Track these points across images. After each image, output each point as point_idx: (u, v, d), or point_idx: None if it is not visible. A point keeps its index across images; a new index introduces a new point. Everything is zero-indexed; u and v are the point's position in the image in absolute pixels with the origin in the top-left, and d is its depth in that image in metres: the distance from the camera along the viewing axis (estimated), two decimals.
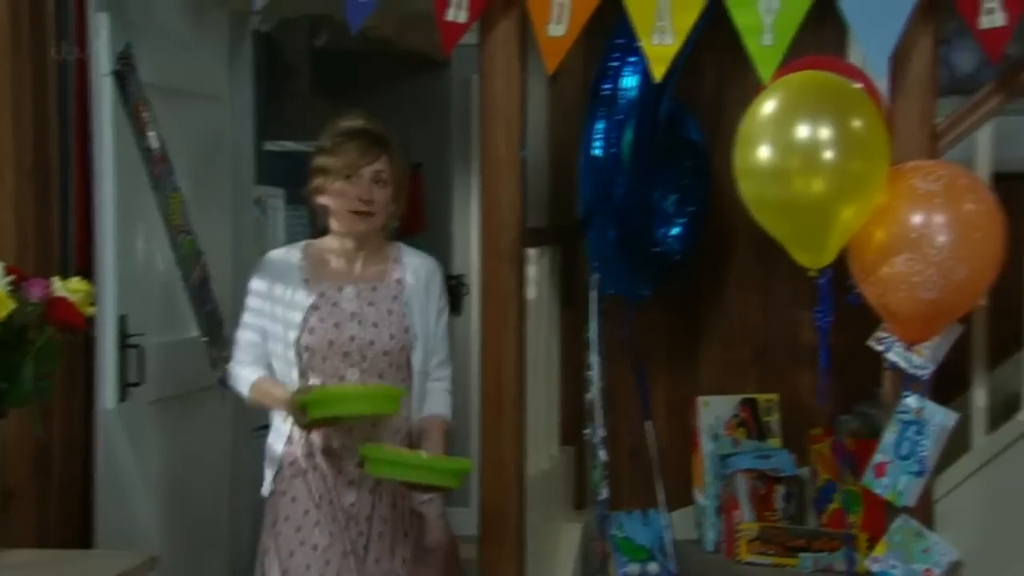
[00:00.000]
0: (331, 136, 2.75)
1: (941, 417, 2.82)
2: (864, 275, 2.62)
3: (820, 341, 2.83)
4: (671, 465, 3.36)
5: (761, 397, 3.39)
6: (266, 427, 2.77)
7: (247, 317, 2.74)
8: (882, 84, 2.84)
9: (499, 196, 2.99)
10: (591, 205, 3.07)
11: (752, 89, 2.80)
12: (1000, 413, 2.96)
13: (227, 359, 3.33)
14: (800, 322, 2.95)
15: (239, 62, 3.54)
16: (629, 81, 3.06)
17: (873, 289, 2.61)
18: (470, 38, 3.00)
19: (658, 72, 2.83)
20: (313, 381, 2.64)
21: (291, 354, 2.67)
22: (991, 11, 2.64)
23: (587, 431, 3.35)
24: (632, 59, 3.02)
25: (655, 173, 3.18)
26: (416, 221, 4.29)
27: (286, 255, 2.78)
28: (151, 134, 3.01)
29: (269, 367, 2.69)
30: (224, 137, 3.44)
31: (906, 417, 2.86)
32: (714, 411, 3.36)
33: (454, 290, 4.19)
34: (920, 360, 2.82)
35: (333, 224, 2.73)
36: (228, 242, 3.45)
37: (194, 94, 3.27)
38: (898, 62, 2.78)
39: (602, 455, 3.28)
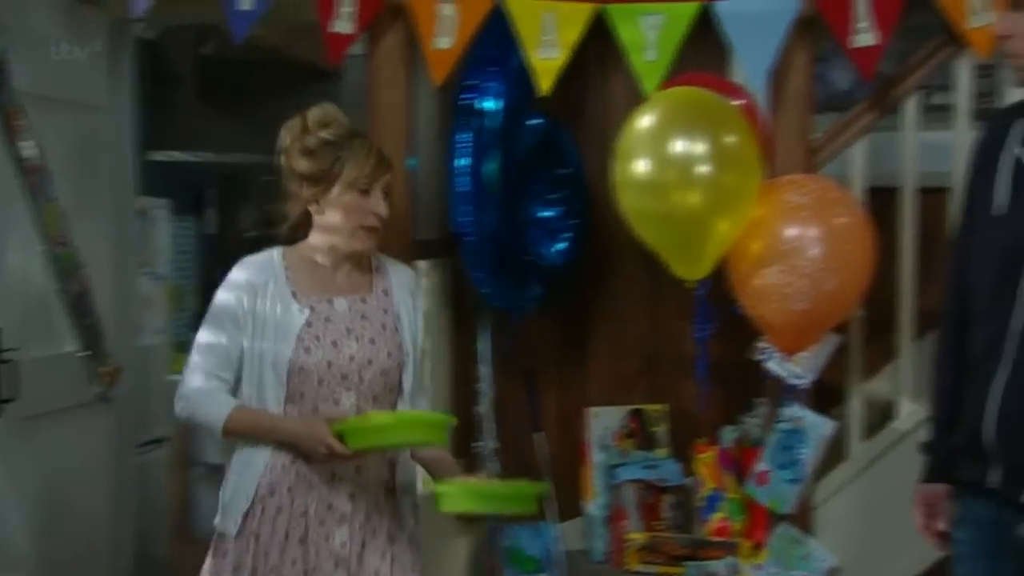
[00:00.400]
0: (319, 137, 2.40)
1: (820, 426, 2.89)
2: (740, 287, 2.67)
3: (698, 352, 2.86)
4: (562, 476, 3.37)
5: (649, 408, 3.42)
6: (154, 442, 2.68)
7: (217, 330, 2.38)
8: (761, 100, 2.90)
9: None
10: (462, 224, 3.06)
11: (635, 104, 2.84)
12: (876, 421, 3.03)
13: (111, 374, 3.26)
14: (687, 333, 2.98)
15: (119, 69, 3.47)
16: (490, 103, 3.05)
17: (748, 300, 2.67)
18: (362, 47, 2.99)
19: (545, 85, 2.85)
20: (293, 408, 2.34)
21: (278, 376, 2.35)
22: (862, 30, 2.72)
23: (478, 444, 3.35)
24: (497, 71, 3.02)
25: (533, 189, 3.20)
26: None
27: (267, 261, 2.43)
28: (25, 143, 2.93)
29: (230, 389, 2.38)
30: (104, 146, 3.37)
31: (786, 426, 2.92)
32: (603, 422, 3.38)
33: None
34: (799, 370, 2.88)
35: (325, 238, 2.42)
36: (109, 254, 3.38)
37: (71, 102, 3.19)
38: (776, 79, 2.85)
39: (492, 467, 3.29)
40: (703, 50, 2.89)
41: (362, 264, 2.48)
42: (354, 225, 2.40)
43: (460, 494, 2.31)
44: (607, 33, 2.85)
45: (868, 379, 3.09)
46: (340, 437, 2.27)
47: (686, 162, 2.61)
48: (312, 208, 2.42)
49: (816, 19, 2.80)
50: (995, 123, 2.17)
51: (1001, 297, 2.06)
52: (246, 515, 2.34)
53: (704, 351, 2.85)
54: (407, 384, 2.44)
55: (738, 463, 3.11)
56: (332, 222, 2.41)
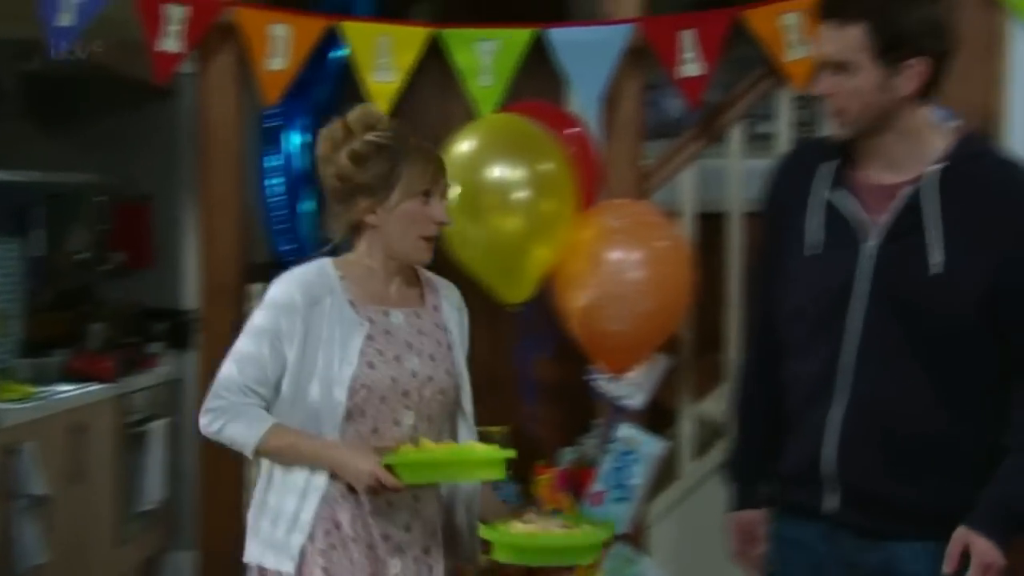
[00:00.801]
0: (368, 141, 2.17)
1: (652, 446, 2.94)
2: (563, 309, 2.71)
3: (523, 374, 2.89)
4: None
5: (491, 430, 3.42)
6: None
7: (258, 344, 2.14)
8: (594, 127, 2.95)
9: (218, 230, 2.92)
10: (283, 250, 3.02)
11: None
12: (708, 440, 3.10)
13: None
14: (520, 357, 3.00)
15: None
16: (295, 138, 3.03)
17: (571, 322, 2.70)
18: (193, 66, 2.93)
19: (382, 106, 2.84)
20: (351, 428, 2.14)
21: (338, 394, 2.15)
22: (689, 61, 2.80)
23: None
24: (306, 100, 3.00)
25: None
26: (143, 255, 4.13)
27: (319, 274, 2.21)
28: None
29: (265, 407, 2.17)
30: None
31: (620, 447, 2.97)
32: None
33: (184, 326, 4.05)
34: (631, 390, 2.93)
35: (381, 249, 2.21)
36: None
37: None
38: (608, 106, 2.90)
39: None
40: (541, 76, 2.93)
41: (410, 277, 2.31)
42: (415, 235, 2.21)
43: (512, 547, 2.14)
44: (444, 57, 2.87)
45: (700, 399, 3.16)
46: (390, 468, 2.10)
47: (503, 188, 2.65)
48: (369, 219, 2.20)
49: (645, 49, 2.86)
50: (798, 161, 2.22)
51: (828, 333, 2.10)
52: (303, 550, 2.13)
53: (529, 373, 2.88)
54: (467, 406, 2.31)
55: (576, 484, 3.14)
56: (391, 232, 2.21)
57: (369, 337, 2.19)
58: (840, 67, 2.06)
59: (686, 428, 3.05)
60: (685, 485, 3.02)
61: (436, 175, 2.21)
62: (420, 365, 2.23)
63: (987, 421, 2.07)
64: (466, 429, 2.31)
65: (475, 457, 2.15)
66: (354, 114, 2.23)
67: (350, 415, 2.17)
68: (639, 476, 2.93)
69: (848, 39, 2.04)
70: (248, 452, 2.19)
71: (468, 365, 2.26)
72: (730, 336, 3.03)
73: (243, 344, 2.19)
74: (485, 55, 2.83)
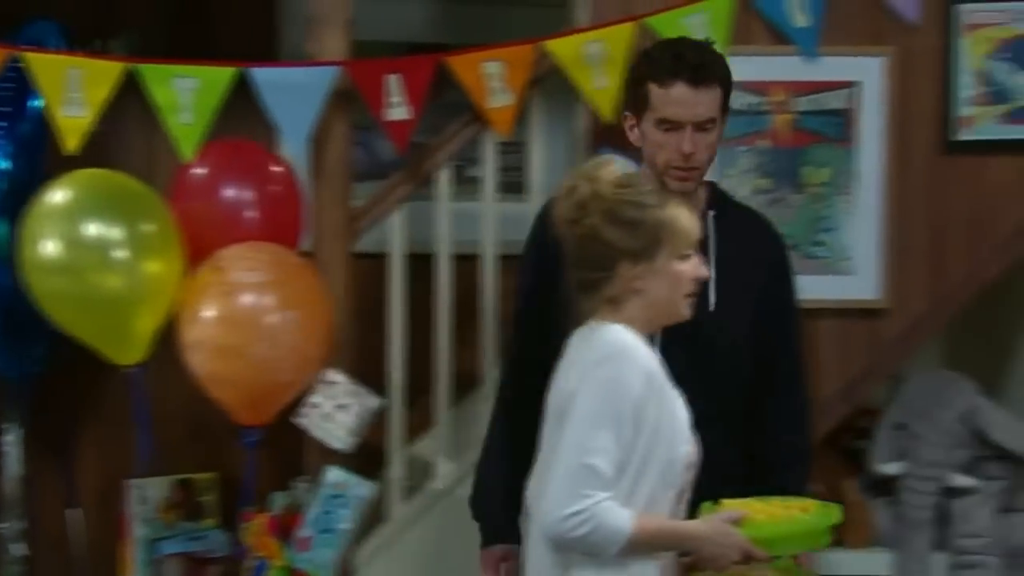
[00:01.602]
0: (630, 201, 2.06)
1: (361, 489, 2.90)
2: (196, 359, 2.67)
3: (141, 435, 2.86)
4: (101, 555, 3.16)
5: (197, 477, 3.29)
6: None
7: (619, 432, 1.98)
8: (302, 168, 2.90)
9: None
10: None
11: (179, 164, 2.76)
12: (418, 482, 3.09)
13: None
14: None
15: None
16: None
17: (205, 369, 2.68)
18: None
19: (71, 144, 2.71)
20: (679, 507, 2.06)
21: (675, 473, 2.06)
22: (395, 104, 2.80)
23: (3, 525, 3.07)
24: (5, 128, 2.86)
25: None
26: None
27: (642, 343, 2.08)
28: None
29: None
30: None
31: (329, 491, 2.91)
32: (147, 494, 3.21)
33: None
34: (340, 434, 2.89)
35: (645, 312, 2.09)
36: None
37: None
38: (316, 147, 2.87)
39: (18, 549, 3.02)
40: (251, 116, 2.86)
41: None
42: (680, 295, 2.12)
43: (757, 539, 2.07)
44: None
45: (411, 441, 3.14)
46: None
47: (102, 246, 2.65)
48: (636, 284, 2.09)
49: (353, 91, 2.85)
50: None
51: None
52: None
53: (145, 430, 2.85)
54: None
55: (285, 529, 3.06)
56: (657, 295, 2.09)
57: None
58: (703, 126, 2.30)
59: (396, 470, 3.02)
60: (394, 527, 2.99)
61: (697, 233, 2.12)
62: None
63: (746, 439, 2.35)
64: None
65: (823, 525, 2.10)
66: (601, 171, 2.09)
67: (679, 494, 2.09)
68: (347, 520, 2.88)
69: (713, 99, 2.30)
70: (611, 550, 2.01)
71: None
72: (439, 378, 3.03)
73: (603, 437, 1.99)
74: (184, 92, 2.74)
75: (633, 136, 2.37)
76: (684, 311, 2.14)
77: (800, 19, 2.79)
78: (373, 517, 2.99)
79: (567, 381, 2.08)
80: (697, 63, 2.29)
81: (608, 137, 2.86)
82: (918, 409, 2.88)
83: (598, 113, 2.84)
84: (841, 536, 2.64)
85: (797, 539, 2.11)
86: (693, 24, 2.77)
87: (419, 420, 3.20)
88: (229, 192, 2.84)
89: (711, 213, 2.35)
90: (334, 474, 2.90)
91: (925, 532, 2.82)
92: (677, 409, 2.09)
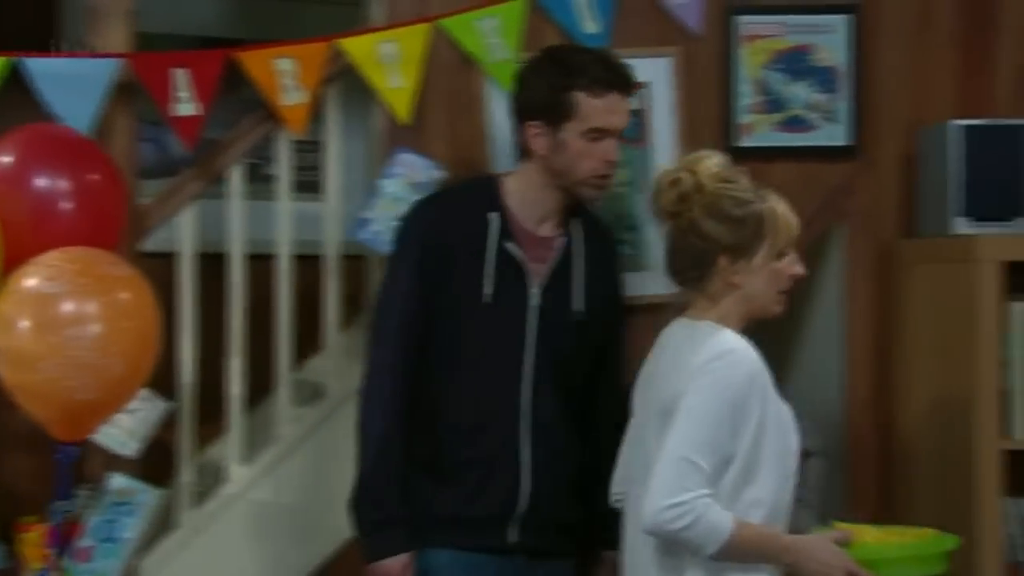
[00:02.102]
0: (732, 197, 2.06)
1: (148, 496, 2.80)
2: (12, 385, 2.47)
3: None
4: None
5: None
6: None
7: (718, 428, 1.98)
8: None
9: None
10: None
11: None
12: (208, 488, 2.99)
13: None
14: (5, 405, 2.74)
15: None
16: None
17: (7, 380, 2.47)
18: None
19: None
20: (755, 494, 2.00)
21: (789, 463, 2.08)
22: (183, 100, 2.71)
23: None
24: None
25: None
26: None
27: (746, 345, 2.09)
28: None
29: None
30: None
31: (113, 498, 2.79)
32: None
33: None
34: (124, 439, 2.77)
35: (739, 308, 2.12)
36: None
37: None
38: (100, 142, 2.74)
39: None
40: (33, 107, 2.71)
41: None
42: (775, 292, 2.13)
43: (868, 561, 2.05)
44: None
45: (202, 446, 3.05)
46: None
47: None
48: (733, 279, 2.11)
49: (138, 85, 2.74)
50: (462, 209, 2.33)
51: (507, 376, 2.30)
52: None
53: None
54: None
55: (65, 540, 2.91)
56: (753, 291, 2.12)
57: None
58: (619, 135, 2.34)
59: (185, 476, 2.92)
60: (183, 535, 2.89)
61: (797, 232, 2.14)
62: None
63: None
64: None
65: (936, 550, 2.08)
66: (704, 164, 2.09)
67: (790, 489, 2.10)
68: (132, 528, 2.77)
69: (629, 109, 2.36)
70: (706, 550, 1.98)
71: None
72: (232, 381, 2.94)
73: (702, 431, 1.99)
74: None
75: (539, 144, 2.35)
76: (777, 308, 2.18)
77: (590, 25, 2.83)
78: (163, 524, 2.89)
79: (671, 382, 2.09)
80: (626, 73, 2.34)
81: (404, 138, 2.86)
82: None
83: (394, 113, 2.83)
84: None
85: (906, 563, 2.09)
86: (486, 27, 2.78)
87: (211, 423, 3.11)
88: (41, 183, 2.53)
89: (579, 219, 2.41)
90: (118, 481, 2.79)
91: None
92: (781, 404, 2.12)
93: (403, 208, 2.82)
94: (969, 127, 2.77)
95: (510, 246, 2.32)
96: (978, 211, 2.74)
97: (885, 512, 2.93)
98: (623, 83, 2.32)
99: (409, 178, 2.81)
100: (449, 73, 2.84)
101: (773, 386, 2.11)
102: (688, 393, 2.04)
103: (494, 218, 2.31)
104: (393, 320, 2.37)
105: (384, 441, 2.34)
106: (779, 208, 2.14)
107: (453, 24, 2.79)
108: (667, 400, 2.08)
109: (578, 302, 2.36)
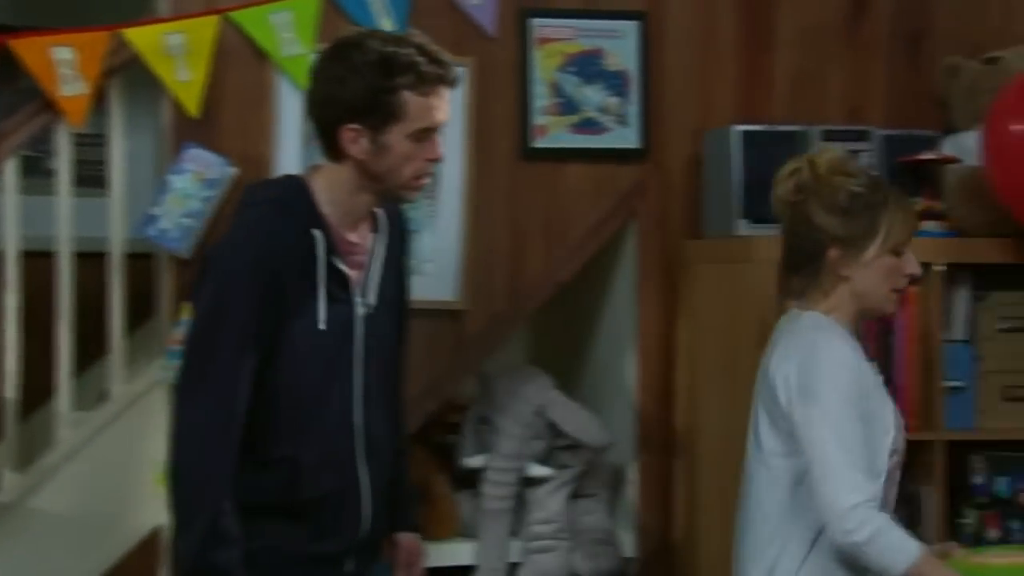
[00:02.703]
0: (848, 190, 2.10)
1: None
2: None
3: None
4: None
5: None
6: None
7: (850, 427, 2.04)
8: None
9: None
10: None
11: None
12: None
13: None
14: None
15: None
16: None
17: None
18: None
19: None
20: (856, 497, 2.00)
21: (884, 465, 2.10)
22: None
23: None
24: None
25: None
26: None
27: (842, 332, 2.14)
28: None
29: None
30: None
31: None
32: None
33: None
34: None
35: (851, 304, 2.15)
36: None
37: None
38: None
39: None
40: None
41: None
42: (888, 289, 2.14)
43: None
44: None
45: None
46: None
47: None
48: (843, 271, 2.14)
49: None
50: (290, 226, 2.10)
51: (341, 399, 2.12)
52: None
53: None
54: None
55: None
56: (864, 286, 2.14)
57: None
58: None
59: None
60: None
61: (916, 225, 2.17)
62: (900, 427, 2.17)
63: None
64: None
65: None
66: (823, 157, 2.14)
67: (886, 483, 2.10)
68: None
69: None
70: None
71: None
72: (7, 386, 2.77)
73: (846, 426, 2.03)
74: None
75: (358, 148, 2.10)
76: (889, 306, 2.18)
77: (385, 23, 2.79)
78: None
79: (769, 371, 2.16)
80: (451, 64, 2.13)
81: (193, 132, 2.75)
82: (499, 404, 2.97)
83: (182, 107, 2.72)
84: (427, 529, 2.66)
85: None
86: (278, 21, 2.70)
87: None
88: None
89: (381, 211, 2.25)
90: None
91: (504, 520, 2.91)
92: (879, 390, 2.15)
93: (193, 205, 2.72)
94: (749, 132, 2.87)
95: (337, 262, 2.13)
96: (758, 213, 2.83)
97: (672, 504, 3.01)
98: (450, 77, 2.11)
99: (198, 174, 2.72)
100: (240, 67, 2.75)
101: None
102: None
103: (318, 235, 2.10)
104: (222, 374, 2.07)
105: (219, 518, 2.05)
106: (897, 204, 2.15)
107: (244, 17, 2.70)
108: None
109: (378, 297, 2.20)
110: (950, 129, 3.09)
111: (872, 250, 2.15)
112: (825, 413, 2.06)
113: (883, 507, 2.09)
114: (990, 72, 2.99)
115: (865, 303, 2.18)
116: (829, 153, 2.21)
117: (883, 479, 2.10)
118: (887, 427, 2.13)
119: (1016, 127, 2.65)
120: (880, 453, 2.11)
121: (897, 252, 2.16)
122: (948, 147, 3.01)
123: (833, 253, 2.15)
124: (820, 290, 2.18)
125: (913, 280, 2.22)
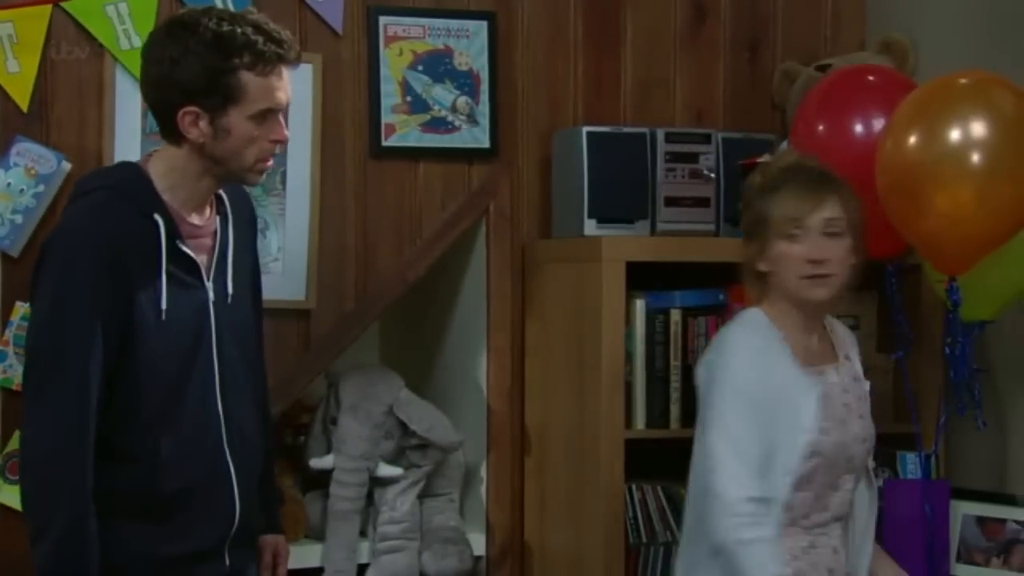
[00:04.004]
0: (750, 185, 2.20)
1: None
2: None
3: None
4: None
5: None
6: None
7: (738, 424, 2.04)
8: None
9: None
10: None
11: None
12: None
13: None
14: None
15: None
16: None
17: None
18: None
19: None
20: (803, 496, 2.09)
21: (788, 463, 2.07)
22: None
23: None
24: None
25: None
26: None
27: (764, 330, 2.14)
28: None
29: None
30: None
31: None
32: None
33: None
34: None
35: (779, 300, 2.18)
36: None
37: None
38: None
39: None
40: None
41: (820, 326, 2.23)
42: (793, 276, 2.12)
43: None
44: None
45: None
46: None
47: None
48: (760, 265, 2.18)
49: None
50: (124, 218, 1.99)
51: (200, 387, 2.03)
52: None
53: None
54: (870, 463, 2.24)
55: None
56: (777, 278, 2.17)
57: (820, 399, 2.11)
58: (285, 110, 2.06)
59: None
60: None
61: (803, 209, 2.10)
62: (861, 426, 2.17)
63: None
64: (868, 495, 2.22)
65: None
66: (766, 164, 2.23)
67: (799, 484, 2.09)
68: None
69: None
70: None
71: None
72: None
73: (734, 423, 2.02)
74: None
75: (197, 132, 2.01)
76: (806, 293, 2.14)
77: None
78: None
79: None
80: (290, 41, 2.04)
81: (24, 126, 2.58)
82: (349, 404, 2.89)
83: (13, 99, 2.55)
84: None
85: None
86: (115, 12, 2.56)
87: None
88: None
89: (224, 195, 2.14)
90: None
91: (352, 521, 2.83)
92: (799, 391, 2.12)
93: (23, 201, 2.57)
94: (597, 133, 2.85)
95: (182, 246, 2.03)
96: (605, 214, 2.82)
97: (522, 502, 2.98)
98: (290, 56, 2.03)
99: (29, 169, 2.55)
100: (74, 59, 2.59)
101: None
102: None
103: (159, 220, 2.00)
104: (71, 368, 1.95)
105: (77, 521, 1.94)
106: (789, 187, 2.15)
107: (77, 8, 2.53)
108: None
109: (233, 285, 2.12)
110: (787, 132, 3.15)
111: (771, 240, 2.18)
112: (719, 410, 2.10)
113: (791, 511, 2.11)
114: (821, 78, 3.06)
115: (786, 294, 2.20)
116: (778, 156, 2.35)
117: (790, 480, 2.10)
118: (802, 428, 2.11)
119: (818, 131, 2.68)
120: (787, 453, 2.09)
121: (788, 237, 2.16)
122: None
123: (748, 250, 2.23)
124: (758, 287, 2.25)
125: (818, 263, 2.16)
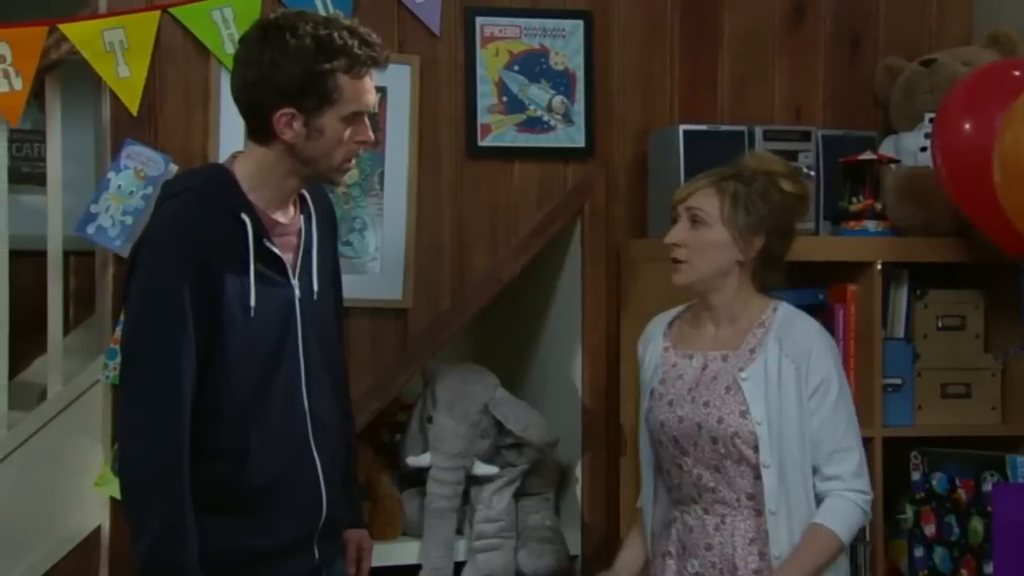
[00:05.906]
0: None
1: None
2: None
3: None
4: None
5: None
6: None
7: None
8: None
9: None
10: None
11: None
12: None
13: None
14: None
15: None
16: None
17: None
18: None
19: None
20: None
21: (646, 440, 2.36)
22: None
23: None
24: None
25: None
26: None
27: (662, 316, 2.43)
28: None
29: None
30: None
31: None
32: None
33: None
34: None
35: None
36: None
37: None
38: None
39: None
40: None
41: (744, 316, 2.30)
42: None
43: None
44: None
45: None
46: None
47: None
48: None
49: None
50: (213, 219, 2.02)
51: (285, 383, 2.06)
52: None
53: None
54: (765, 458, 2.20)
55: None
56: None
57: (661, 381, 2.30)
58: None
59: None
60: None
61: (677, 199, 2.29)
62: (691, 411, 2.25)
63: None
64: (776, 485, 2.21)
65: None
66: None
67: (658, 464, 2.33)
68: None
69: None
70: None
71: None
72: None
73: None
74: None
75: (291, 132, 2.04)
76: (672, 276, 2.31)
77: None
78: None
79: None
80: (380, 45, 2.10)
81: (134, 129, 2.63)
82: (445, 402, 2.89)
83: (122, 104, 2.61)
84: (372, 528, 2.58)
85: None
86: (220, 17, 2.60)
87: None
88: None
89: (308, 194, 2.17)
90: None
91: (449, 519, 2.83)
92: (647, 372, 2.35)
93: (133, 203, 2.62)
94: (693, 132, 2.81)
95: (268, 244, 2.06)
96: None
97: (618, 502, 2.95)
98: (381, 59, 2.09)
99: (138, 171, 2.61)
100: (182, 63, 2.64)
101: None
102: None
103: (247, 220, 2.04)
104: (163, 368, 1.99)
105: (174, 515, 1.98)
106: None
107: (185, 13, 2.59)
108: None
109: (318, 282, 2.15)
110: (889, 130, 3.07)
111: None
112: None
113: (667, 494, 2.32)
114: (926, 74, 2.98)
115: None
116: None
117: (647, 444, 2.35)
118: (648, 421, 2.35)
119: (966, 125, 2.60)
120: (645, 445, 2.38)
121: (672, 221, 2.35)
122: (887, 147, 2.99)
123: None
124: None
125: (669, 247, 2.34)
